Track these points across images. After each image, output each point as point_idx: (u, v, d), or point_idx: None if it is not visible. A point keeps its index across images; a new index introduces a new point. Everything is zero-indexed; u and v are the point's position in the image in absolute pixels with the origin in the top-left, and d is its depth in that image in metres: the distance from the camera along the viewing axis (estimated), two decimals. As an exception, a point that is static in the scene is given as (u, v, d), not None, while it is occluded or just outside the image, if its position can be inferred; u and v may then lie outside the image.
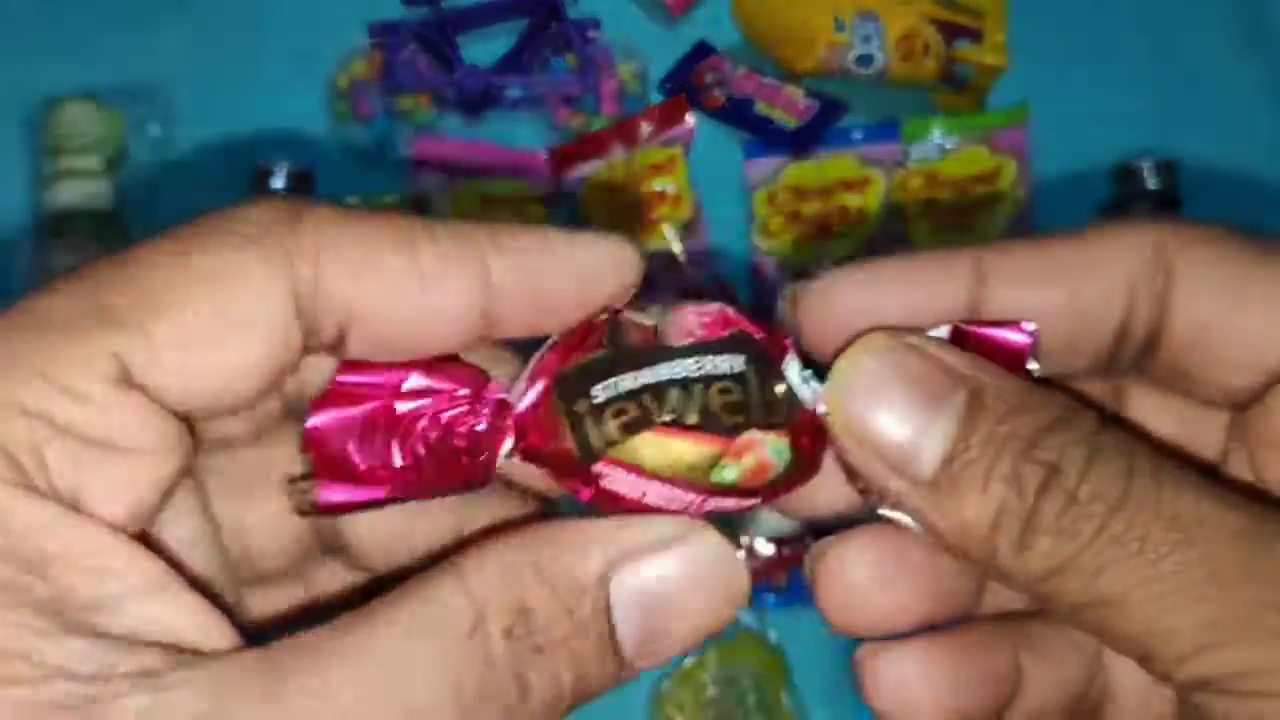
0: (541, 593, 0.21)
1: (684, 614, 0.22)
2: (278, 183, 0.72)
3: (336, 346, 0.22)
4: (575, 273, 0.23)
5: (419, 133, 0.76)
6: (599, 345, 0.24)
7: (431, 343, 0.23)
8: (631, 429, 0.23)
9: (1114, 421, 0.23)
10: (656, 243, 0.73)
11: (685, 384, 0.23)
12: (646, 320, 0.24)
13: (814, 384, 0.25)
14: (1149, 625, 0.21)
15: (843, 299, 0.24)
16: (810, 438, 0.25)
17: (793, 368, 0.24)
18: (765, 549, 0.68)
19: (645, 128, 0.76)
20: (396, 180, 0.75)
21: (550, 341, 0.24)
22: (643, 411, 0.23)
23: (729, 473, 0.24)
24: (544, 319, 0.23)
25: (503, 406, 0.24)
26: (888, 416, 0.23)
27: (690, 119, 0.76)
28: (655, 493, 0.23)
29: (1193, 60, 0.82)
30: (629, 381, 0.23)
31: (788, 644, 0.67)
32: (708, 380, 0.24)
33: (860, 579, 0.25)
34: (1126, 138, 0.76)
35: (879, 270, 0.25)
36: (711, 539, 0.23)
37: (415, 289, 0.22)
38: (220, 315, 0.20)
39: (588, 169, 0.75)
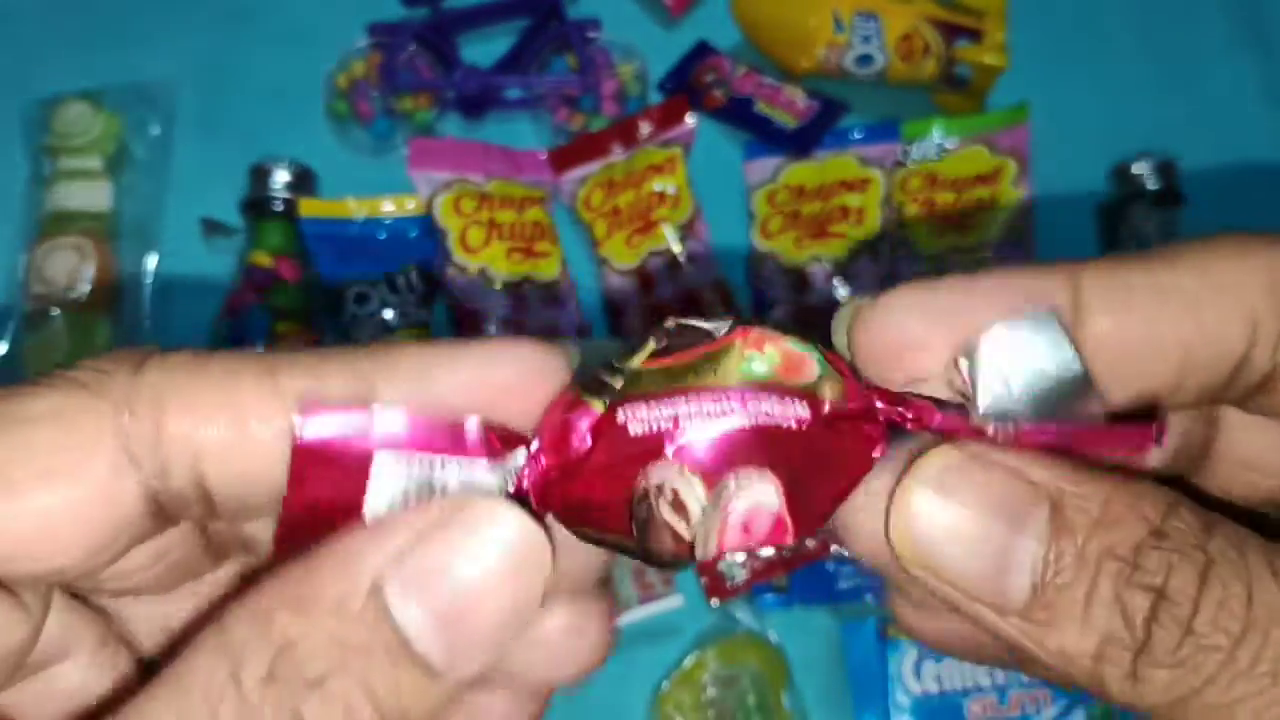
0: (300, 623, 0.19)
1: (478, 597, 0.20)
2: (277, 182, 0.72)
3: (203, 505, 0.20)
4: (473, 391, 0.21)
5: (419, 133, 0.76)
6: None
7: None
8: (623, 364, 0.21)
9: (1219, 518, 0.21)
10: (657, 243, 0.73)
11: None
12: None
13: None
14: None
15: (911, 321, 0.22)
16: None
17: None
18: (765, 549, 0.68)
19: (645, 128, 0.76)
20: (396, 181, 0.75)
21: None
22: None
23: (757, 365, 0.22)
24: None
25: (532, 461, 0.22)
26: (965, 550, 0.21)
27: (690, 119, 0.76)
28: (686, 413, 0.21)
29: (1191, 59, 0.82)
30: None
31: (788, 644, 0.67)
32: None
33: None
34: (1126, 137, 0.77)
35: (954, 289, 0.22)
36: (484, 508, 0.20)
37: (275, 421, 0.20)
38: (25, 462, 0.19)
39: (587, 169, 0.75)
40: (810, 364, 0.22)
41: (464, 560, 0.20)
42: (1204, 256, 0.22)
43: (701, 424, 0.21)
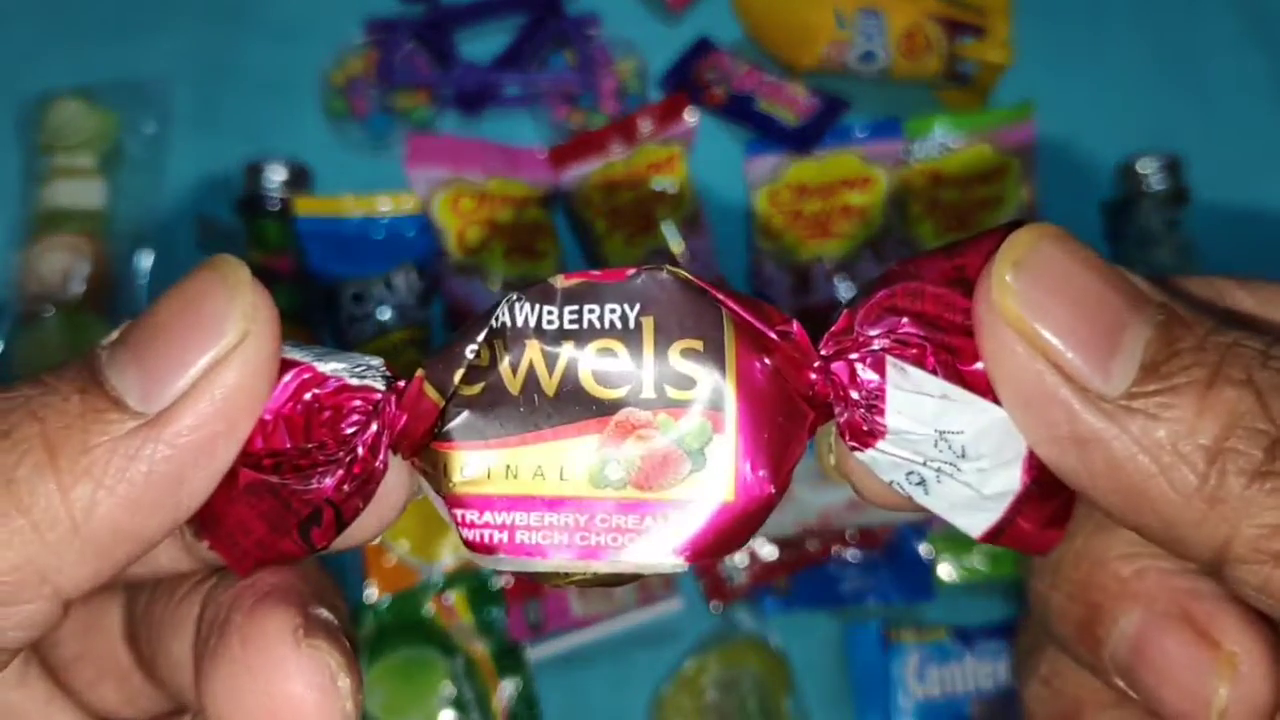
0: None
1: (167, 327, 0.19)
2: (273, 180, 0.72)
3: None
4: None
5: (416, 130, 0.75)
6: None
7: None
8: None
9: None
10: (657, 242, 0.72)
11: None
12: None
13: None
14: None
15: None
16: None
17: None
18: (767, 551, 0.67)
19: (645, 125, 0.75)
20: (393, 178, 0.74)
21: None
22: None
23: (612, 470, 0.19)
24: None
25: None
26: (1074, 312, 0.18)
27: (691, 116, 0.75)
28: (525, 524, 0.19)
29: (1197, 56, 0.81)
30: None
31: (789, 648, 0.67)
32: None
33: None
34: (1132, 134, 0.76)
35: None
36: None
37: None
38: None
39: (587, 167, 0.75)
40: (680, 463, 0.19)
41: (167, 301, 0.19)
42: None
43: (535, 553, 0.19)
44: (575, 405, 0.19)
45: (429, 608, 0.66)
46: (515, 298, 0.19)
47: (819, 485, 0.65)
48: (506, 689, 0.65)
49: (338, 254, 0.71)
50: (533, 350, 0.19)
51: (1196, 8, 0.82)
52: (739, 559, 0.67)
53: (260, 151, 0.73)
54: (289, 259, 0.71)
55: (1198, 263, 0.71)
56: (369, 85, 0.75)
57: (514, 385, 0.19)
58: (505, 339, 0.19)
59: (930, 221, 0.74)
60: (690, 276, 0.19)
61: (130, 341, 0.19)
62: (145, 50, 0.78)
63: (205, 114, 0.77)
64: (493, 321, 0.19)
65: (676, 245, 0.72)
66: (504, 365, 0.19)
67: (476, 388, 0.19)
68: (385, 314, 0.70)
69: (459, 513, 0.19)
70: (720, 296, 0.19)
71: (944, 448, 0.19)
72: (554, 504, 0.19)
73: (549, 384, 0.19)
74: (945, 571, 0.67)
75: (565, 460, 0.19)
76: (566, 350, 0.19)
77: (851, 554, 0.67)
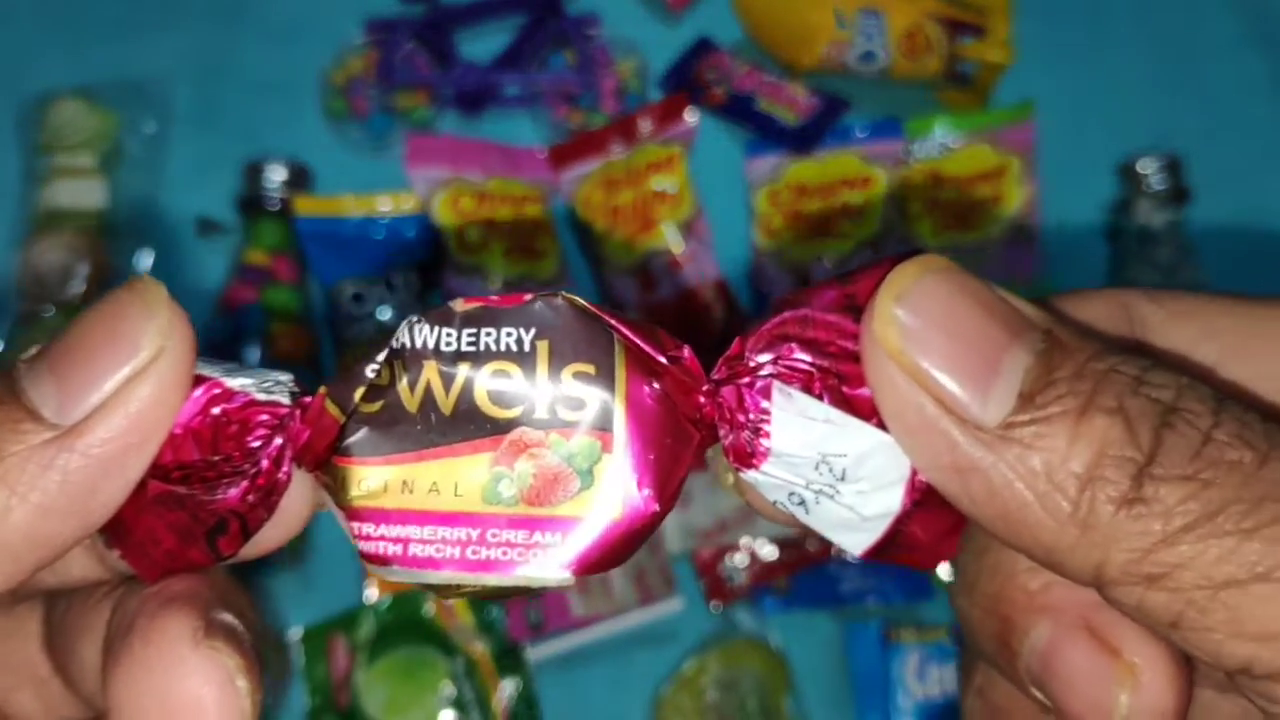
0: None
1: (85, 343, 0.19)
2: (273, 180, 0.72)
3: None
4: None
5: (416, 130, 0.75)
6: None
7: None
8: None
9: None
10: (657, 242, 0.72)
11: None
12: None
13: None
14: None
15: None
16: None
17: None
18: (767, 551, 0.67)
19: (645, 125, 0.75)
20: (393, 178, 0.74)
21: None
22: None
23: (504, 487, 0.20)
24: None
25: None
26: (953, 342, 0.18)
27: (691, 116, 0.75)
28: (419, 538, 0.20)
29: (1198, 55, 0.81)
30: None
31: (789, 648, 0.67)
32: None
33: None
34: (1132, 134, 0.76)
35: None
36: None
37: None
38: None
39: (587, 167, 0.75)
40: (570, 481, 0.20)
41: (86, 318, 0.19)
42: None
43: (427, 566, 0.20)
44: (470, 424, 0.20)
45: (429, 608, 0.65)
46: (415, 320, 0.20)
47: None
48: (506, 689, 0.65)
49: (338, 254, 0.71)
50: (430, 371, 0.20)
51: (1196, 8, 0.82)
52: (739, 559, 0.67)
53: (260, 151, 0.73)
54: (289, 259, 0.71)
55: (1198, 262, 0.71)
56: (369, 85, 0.75)
57: (412, 404, 0.20)
58: (404, 359, 0.20)
59: (930, 221, 0.73)
60: (585, 304, 0.20)
61: (49, 356, 0.19)
62: (145, 50, 0.78)
63: (205, 114, 0.77)
64: (393, 342, 0.20)
65: (676, 245, 0.72)
66: (403, 384, 0.20)
67: (376, 405, 0.20)
68: (385, 314, 0.70)
69: (356, 525, 0.20)
70: (613, 322, 0.20)
71: (825, 470, 0.20)
72: (447, 519, 0.20)
73: (446, 403, 0.20)
74: (945, 571, 0.67)
75: (459, 476, 0.20)
76: (463, 371, 0.20)
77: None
